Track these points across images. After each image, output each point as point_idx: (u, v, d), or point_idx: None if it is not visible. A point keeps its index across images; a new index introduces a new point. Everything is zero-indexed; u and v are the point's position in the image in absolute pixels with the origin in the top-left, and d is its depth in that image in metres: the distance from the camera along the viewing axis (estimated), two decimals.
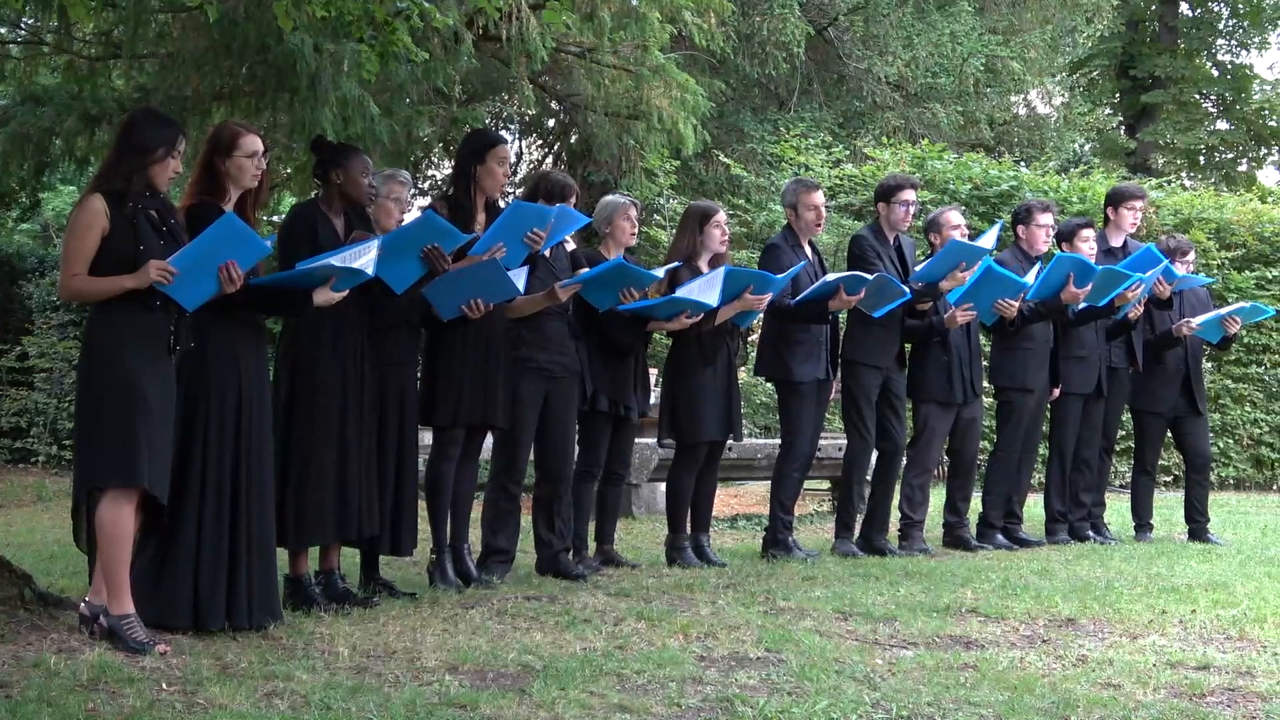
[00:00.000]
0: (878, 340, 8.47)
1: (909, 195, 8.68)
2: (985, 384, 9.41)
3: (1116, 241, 9.66)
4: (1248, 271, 15.05)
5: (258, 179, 5.75)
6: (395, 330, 6.67)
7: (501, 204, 7.15)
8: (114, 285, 5.24)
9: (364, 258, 5.87)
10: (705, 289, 7.54)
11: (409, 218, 6.94)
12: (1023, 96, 23.52)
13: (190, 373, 5.52)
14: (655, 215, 16.07)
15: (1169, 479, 14.14)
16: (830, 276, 8.08)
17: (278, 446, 6.22)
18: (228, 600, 5.56)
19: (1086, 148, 26.24)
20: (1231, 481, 15.24)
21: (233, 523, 5.61)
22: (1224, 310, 9.60)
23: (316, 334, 6.27)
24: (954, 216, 8.96)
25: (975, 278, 8.43)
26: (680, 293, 7.56)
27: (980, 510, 9.25)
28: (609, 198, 8.05)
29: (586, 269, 7.40)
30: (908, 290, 8.22)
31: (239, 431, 5.66)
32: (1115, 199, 9.82)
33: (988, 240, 8.68)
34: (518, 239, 6.79)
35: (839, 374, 8.62)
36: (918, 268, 8.55)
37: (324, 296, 5.81)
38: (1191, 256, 9.78)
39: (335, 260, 5.79)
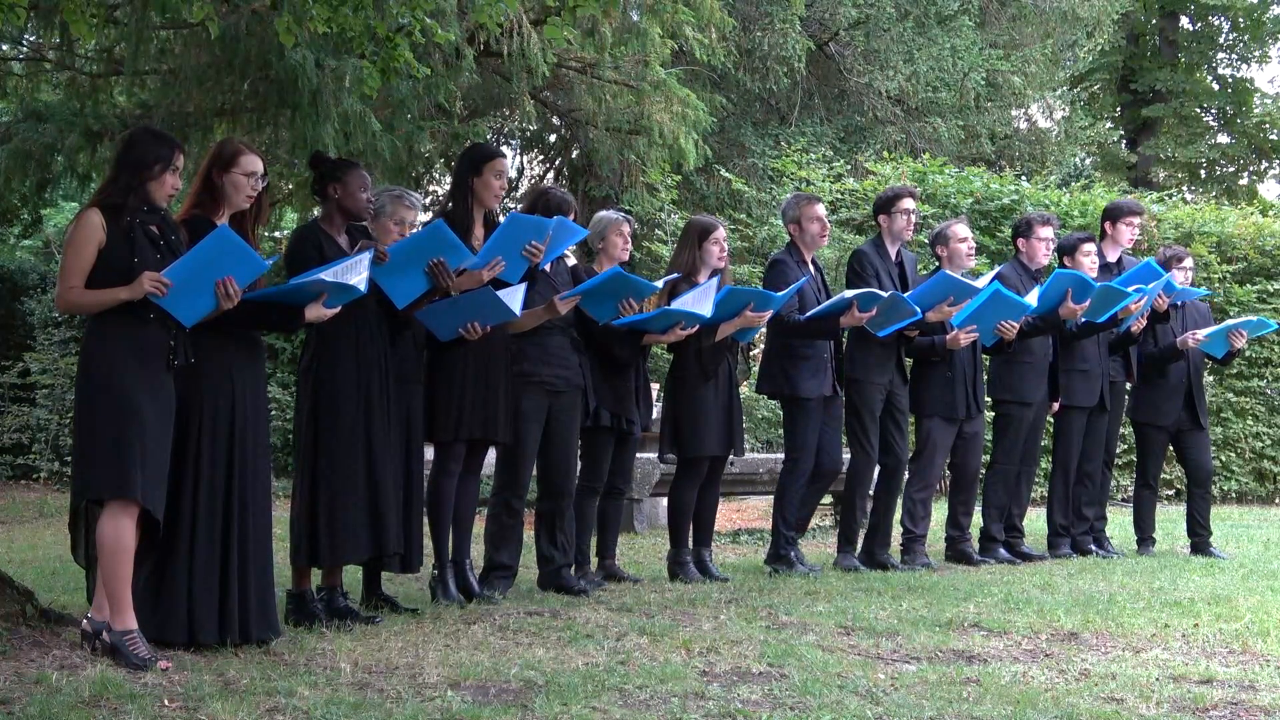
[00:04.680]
0: (877, 357, 8.47)
1: (909, 204, 8.69)
2: (985, 398, 9.40)
3: (1112, 256, 9.65)
4: (1249, 285, 15.04)
5: (251, 200, 5.76)
6: (404, 347, 6.66)
7: (499, 218, 7.16)
8: (109, 297, 5.25)
9: (356, 274, 5.85)
10: (699, 300, 7.56)
11: None
12: (1023, 110, 23.54)
13: (184, 387, 5.51)
14: (657, 230, 16.07)
15: (1171, 493, 14.11)
16: (848, 293, 8.07)
17: (305, 465, 6.23)
18: (221, 614, 5.56)
19: (1087, 161, 26.24)
20: (1233, 495, 15.21)
21: (225, 537, 5.60)
22: (1229, 323, 9.58)
23: (334, 349, 6.28)
24: (961, 229, 8.96)
25: (982, 300, 8.43)
26: (674, 304, 7.58)
27: (981, 524, 9.24)
28: (603, 213, 8.05)
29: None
30: (918, 311, 8.21)
31: (232, 446, 5.65)
32: (1113, 214, 9.82)
33: (982, 284, 8.64)
34: (516, 252, 6.79)
35: (844, 389, 8.63)
36: (908, 292, 8.53)
37: (316, 312, 5.80)
38: (1189, 264, 9.77)
39: (326, 275, 5.77)
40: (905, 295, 8.31)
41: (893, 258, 8.69)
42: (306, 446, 6.28)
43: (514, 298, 6.74)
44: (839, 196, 14.74)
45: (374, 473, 6.31)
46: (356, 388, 6.30)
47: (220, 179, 5.73)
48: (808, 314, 8.11)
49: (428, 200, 18.92)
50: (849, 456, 8.75)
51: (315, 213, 6.59)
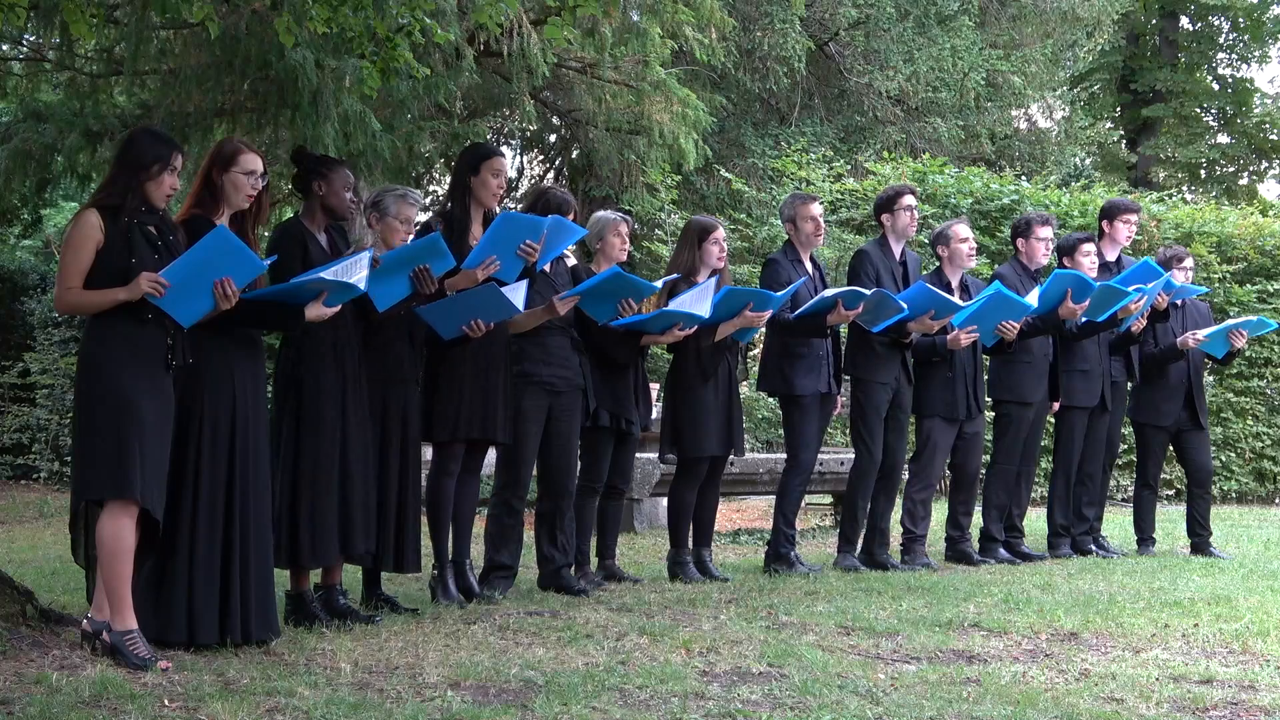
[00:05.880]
0: (881, 357, 8.47)
1: (910, 200, 8.70)
2: (985, 398, 9.40)
3: (1111, 255, 9.64)
4: (1249, 285, 15.03)
5: (251, 200, 5.77)
6: (397, 346, 6.66)
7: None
8: (106, 298, 5.26)
9: (356, 272, 5.85)
10: (696, 301, 7.55)
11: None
12: (1023, 111, 23.54)
13: (184, 387, 5.51)
14: (656, 230, 16.08)
15: (1171, 493, 14.10)
16: (829, 291, 8.08)
17: (286, 466, 6.21)
18: (222, 614, 5.56)
19: (1087, 161, 26.24)
20: (1234, 495, 15.21)
21: (226, 538, 5.61)
22: (1229, 323, 9.57)
23: (317, 350, 6.26)
24: (962, 230, 8.95)
25: (983, 301, 8.42)
26: (672, 305, 7.57)
27: (981, 524, 9.24)
28: (600, 214, 8.05)
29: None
30: (905, 307, 8.21)
31: (233, 446, 5.66)
32: (1110, 212, 9.81)
33: (964, 304, 8.59)
34: (511, 252, 6.77)
35: (842, 389, 8.63)
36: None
37: (316, 311, 5.80)
38: (1189, 264, 9.76)
39: (327, 274, 5.77)
40: (894, 294, 8.30)
41: (897, 257, 8.69)
42: (287, 449, 6.26)
43: (516, 293, 6.73)
44: (839, 196, 14.75)
45: (347, 474, 6.30)
46: (336, 391, 6.29)
47: (220, 178, 5.73)
48: (795, 313, 8.11)
49: (427, 200, 18.95)
50: (847, 456, 8.74)
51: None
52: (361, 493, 6.37)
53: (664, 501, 9.75)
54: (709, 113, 13.31)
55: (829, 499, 12.27)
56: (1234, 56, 32.15)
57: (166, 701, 4.59)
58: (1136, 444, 9.98)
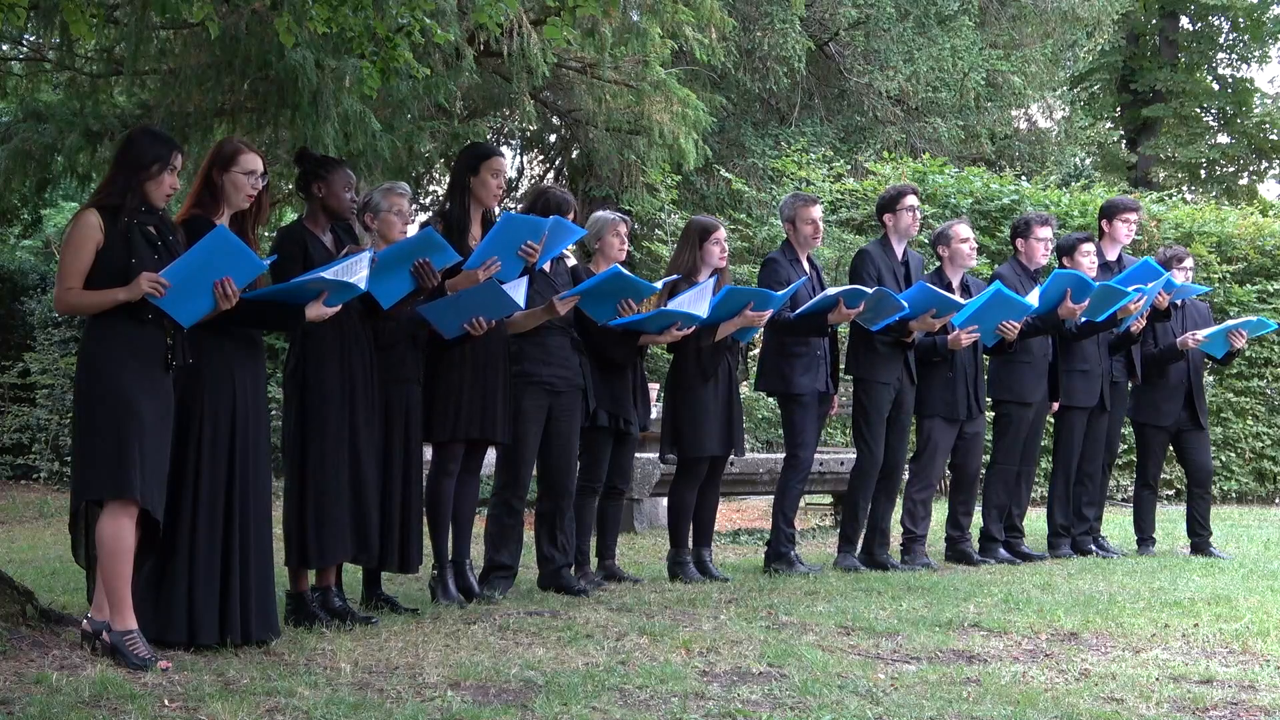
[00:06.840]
0: (883, 357, 8.47)
1: (912, 200, 8.70)
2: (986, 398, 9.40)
3: (1111, 255, 9.64)
4: (1249, 285, 15.03)
5: (251, 200, 5.76)
6: (399, 347, 6.65)
7: (497, 217, 7.15)
8: (106, 298, 5.25)
9: (357, 272, 5.85)
10: (695, 301, 7.54)
11: (412, 230, 6.89)
12: (1023, 111, 23.54)
13: (184, 387, 5.52)
14: (657, 230, 16.08)
15: (1171, 493, 14.11)
16: (830, 290, 8.09)
17: (292, 466, 6.21)
18: (222, 614, 5.56)
19: (1087, 161, 26.21)
20: (1234, 495, 15.21)
21: (226, 537, 5.61)
22: (1229, 324, 9.57)
23: (322, 351, 6.27)
24: (963, 230, 8.95)
25: (984, 300, 8.42)
26: (670, 305, 7.57)
27: (981, 524, 9.24)
28: (600, 213, 8.04)
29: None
30: (906, 305, 8.20)
31: (233, 446, 5.66)
32: (1109, 212, 9.81)
33: (966, 302, 8.58)
34: (512, 252, 6.77)
35: (838, 388, 8.62)
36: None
37: (316, 311, 5.80)
38: (1189, 264, 9.76)
39: (327, 274, 5.76)
40: (894, 293, 8.30)
41: (899, 257, 8.69)
42: (294, 449, 6.27)
43: (517, 290, 6.73)
44: (839, 196, 14.75)
45: (358, 474, 6.30)
46: (341, 390, 6.29)
47: (220, 178, 5.73)
48: (796, 312, 8.12)
49: (427, 200, 18.95)
50: (847, 456, 8.74)
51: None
52: (372, 493, 6.37)
53: (664, 501, 9.75)
54: (709, 113, 13.32)
55: (829, 499, 12.27)
56: (1234, 56, 32.15)
57: (166, 701, 4.59)
58: (1136, 444, 9.98)
